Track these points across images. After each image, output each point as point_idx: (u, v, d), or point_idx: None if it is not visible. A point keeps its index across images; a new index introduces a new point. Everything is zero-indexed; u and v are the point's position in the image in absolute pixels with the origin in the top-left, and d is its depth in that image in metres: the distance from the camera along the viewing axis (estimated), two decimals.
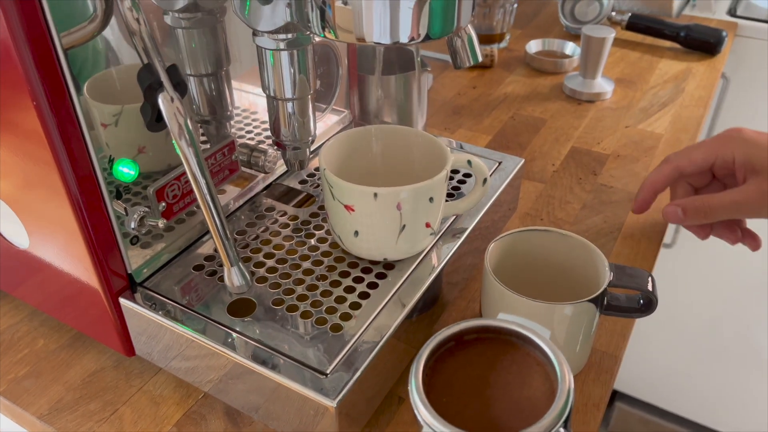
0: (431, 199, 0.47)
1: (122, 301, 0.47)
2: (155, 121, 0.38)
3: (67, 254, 0.46)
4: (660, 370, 1.55)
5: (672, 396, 1.60)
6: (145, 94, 0.37)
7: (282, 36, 0.46)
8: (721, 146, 0.56)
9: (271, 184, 0.59)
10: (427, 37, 0.40)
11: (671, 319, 1.46)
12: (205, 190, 0.39)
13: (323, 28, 0.40)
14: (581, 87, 0.91)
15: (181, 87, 0.38)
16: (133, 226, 0.45)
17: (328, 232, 0.53)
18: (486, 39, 1.04)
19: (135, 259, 0.47)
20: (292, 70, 0.48)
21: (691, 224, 0.59)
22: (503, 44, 1.06)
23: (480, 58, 0.58)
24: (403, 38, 0.39)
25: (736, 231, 0.60)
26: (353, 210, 0.46)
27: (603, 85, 0.92)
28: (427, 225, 0.49)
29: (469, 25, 0.57)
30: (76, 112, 0.39)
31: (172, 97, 0.37)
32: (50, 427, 0.48)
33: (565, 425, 0.33)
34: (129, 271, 0.47)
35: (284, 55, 0.47)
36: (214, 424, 0.48)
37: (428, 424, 0.33)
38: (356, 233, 0.48)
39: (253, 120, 0.62)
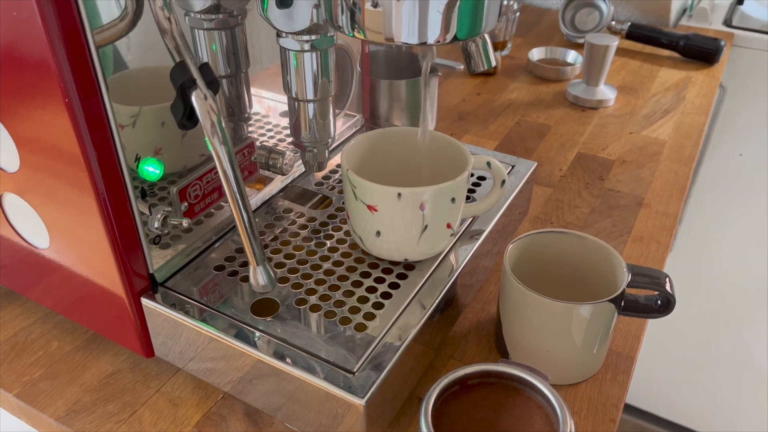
0: (453, 200, 0.48)
1: (144, 301, 0.47)
2: (186, 119, 0.38)
3: (89, 254, 0.46)
4: (655, 376, 1.56)
5: (667, 403, 1.61)
6: (179, 92, 0.37)
7: (306, 37, 0.46)
8: None
9: (286, 186, 0.59)
10: (455, 39, 0.40)
11: (667, 325, 1.47)
12: (236, 188, 0.39)
13: (353, 28, 0.40)
14: (585, 94, 0.92)
15: (213, 85, 0.38)
16: (156, 225, 0.45)
17: (346, 234, 0.53)
18: None
19: (156, 259, 0.47)
20: (314, 72, 0.48)
21: None
22: (505, 52, 1.07)
23: (494, 63, 0.58)
24: (431, 39, 0.40)
25: None
26: (376, 210, 0.47)
27: (606, 92, 0.93)
28: (448, 226, 0.49)
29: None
30: (106, 110, 0.39)
31: (206, 95, 0.37)
32: (68, 429, 0.48)
33: None
34: (151, 271, 0.47)
35: (307, 57, 0.47)
36: (235, 425, 0.48)
37: None
38: (378, 233, 0.48)
39: (266, 123, 0.62)
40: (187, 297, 0.47)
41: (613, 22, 1.09)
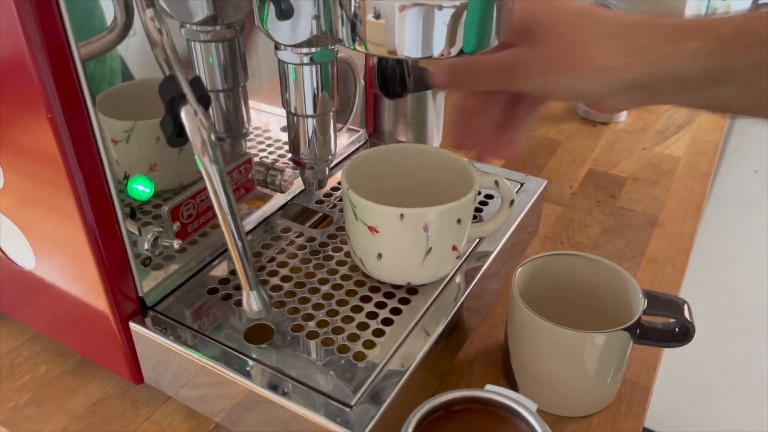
0: (459, 221, 0.45)
1: (132, 325, 0.44)
2: (176, 135, 0.36)
3: (75, 276, 0.43)
4: (666, 397, 1.53)
5: (678, 424, 1.57)
6: (168, 106, 0.35)
7: (305, 50, 0.44)
8: None
9: (286, 204, 0.57)
10: (461, 53, 0.38)
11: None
12: (227, 209, 0.37)
13: (354, 41, 0.38)
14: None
15: (204, 100, 0.36)
16: (146, 246, 0.43)
17: (347, 255, 0.51)
18: None
19: (146, 281, 0.45)
20: (314, 86, 0.46)
21: (458, 88, 0.43)
22: None
23: None
24: (435, 52, 0.38)
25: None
26: (377, 231, 0.44)
27: None
28: (454, 248, 0.47)
29: None
30: (92, 126, 0.37)
31: (196, 111, 0.35)
32: None
33: None
34: (140, 294, 0.45)
35: (307, 70, 0.45)
36: None
37: None
38: (379, 256, 0.45)
39: (267, 138, 0.60)
40: (177, 321, 0.45)
41: None
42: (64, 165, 0.37)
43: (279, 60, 0.45)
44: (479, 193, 0.59)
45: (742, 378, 1.43)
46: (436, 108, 0.70)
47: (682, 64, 0.36)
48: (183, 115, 0.35)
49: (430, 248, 0.45)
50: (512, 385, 0.50)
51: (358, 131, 0.66)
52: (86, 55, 0.36)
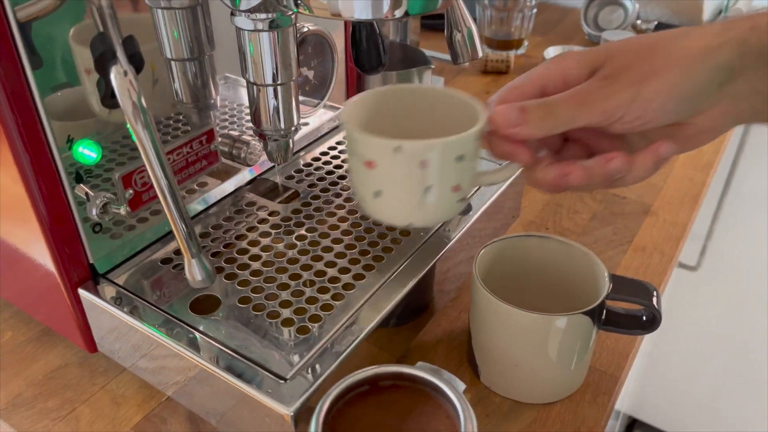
0: (461, 158, 0.41)
1: (81, 292, 0.44)
2: (111, 96, 0.35)
3: (25, 241, 0.43)
4: (682, 398, 1.48)
5: (694, 426, 1.52)
6: (97, 64, 0.34)
7: (262, 16, 0.43)
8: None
9: (255, 178, 0.56)
10: (406, 15, 0.37)
11: (695, 345, 1.39)
12: (160, 174, 0.36)
13: (297, 5, 0.37)
14: None
15: (136, 59, 0.35)
16: (95, 212, 0.42)
17: (308, 230, 0.50)
18: (503, 45, 1.01)
19: (98, 248, 0.45)
20: (272, 54, 0.45)
21: (535, 132, 0.38)
22: (521, 50, 1.02)
23: (480, 54, 0.54)
24: (381, 13, 0.36)
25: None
26: (374, 167, 0.41)
27: None
28: (456, 188, 0.42)
29: (470, 20, 0.54)
30: (30, 87, 0.37)
31: (126, 71, 0.34)
32: (5, 423, 0.45)
33: None
34: (91, 261, 0.44)
35: (264, 37, 0.44)
36: (175, 428, 0.45)
37: None
38: (377, 194, 0.42)
39: (243, 110, 0.59)
40: (128, 290, 0.44)
41: (639, 21, 1.03)
42: (1, 126, 0.37)
43: (235, 27, 0.44)
44: None
45: (745, 378, 1.38)
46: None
47: (765, 37, 0.35)
48: (112, 75, 0.34)
49: (429, 186, 0.41)
50: (474, 370, 0.48)
51: (339, 108, 0.64)
52: (25, 18, 0.36)
